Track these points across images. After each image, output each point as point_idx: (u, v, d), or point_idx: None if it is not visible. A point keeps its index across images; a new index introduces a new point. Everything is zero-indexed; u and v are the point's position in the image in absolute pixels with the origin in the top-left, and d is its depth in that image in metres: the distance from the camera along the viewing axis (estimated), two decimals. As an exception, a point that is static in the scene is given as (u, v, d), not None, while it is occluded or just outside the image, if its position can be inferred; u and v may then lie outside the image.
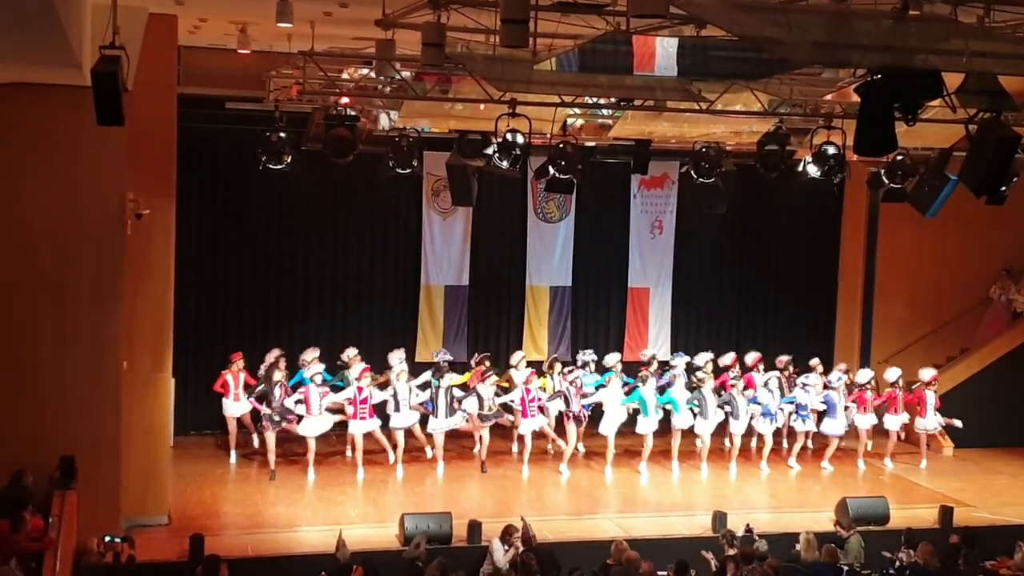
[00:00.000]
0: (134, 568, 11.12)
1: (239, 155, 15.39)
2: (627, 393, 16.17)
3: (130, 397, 12.60)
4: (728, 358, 17.43)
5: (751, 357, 17.47)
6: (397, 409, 15.30)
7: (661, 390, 16.27)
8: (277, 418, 14.91)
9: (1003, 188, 13.22)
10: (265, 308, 17.52)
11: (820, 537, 12.28)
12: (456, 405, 15.42)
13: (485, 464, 15.68)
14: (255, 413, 15.45)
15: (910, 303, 19.63)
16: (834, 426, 16.58)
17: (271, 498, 14.35)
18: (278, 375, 15.07)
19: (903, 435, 17.10)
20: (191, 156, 14.65)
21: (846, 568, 11.65)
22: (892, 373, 17.06)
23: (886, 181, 14.65)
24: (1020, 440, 18.62)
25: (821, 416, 16.82)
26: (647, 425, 15.88)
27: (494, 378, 15.71)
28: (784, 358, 17.35)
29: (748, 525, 12.63)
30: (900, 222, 18.30)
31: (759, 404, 16.31)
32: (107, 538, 11.16)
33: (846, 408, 16.63)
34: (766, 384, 16.60)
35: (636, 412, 16.01)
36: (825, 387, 16.68)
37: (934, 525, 14.10)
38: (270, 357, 15.72)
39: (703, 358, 17.16)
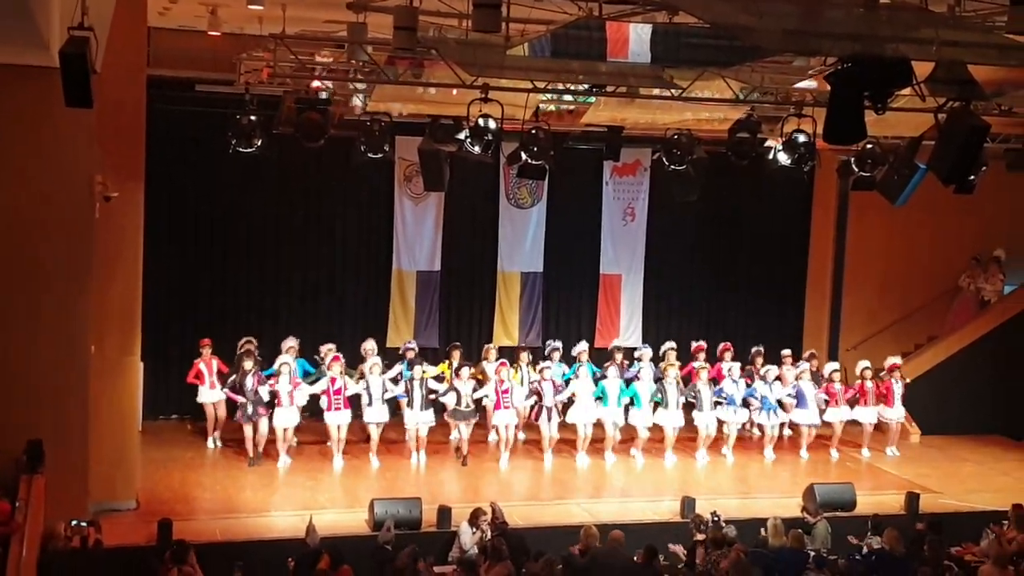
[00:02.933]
0: (101, 552, 11.06)
1: (209, 138, 15.30)
2: (595, 381, 16.19)
3: (98, 381, 12.50)
4: (694, 345, 17.46)
5: (720, 347, 17.51)
6: (370, 403, 15.18)
7: (627, 382, 16.25)
8: (250, 410, 14.83)
9: (972, 177, 13.41)
10: (235, 292, 17.44)
11: (787, 523, 12.35)
12: (432, 398, 15.33)
13: (467, 458, 15.48)
14: (230, 403, 15.37)
15: (879, 291, 19.77)
16: (806, 416, 16.62)
17: (241, 483, 14.31)
18: (249, 364, 14.96)
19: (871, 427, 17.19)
20: (160, 139, 14.57)
21: (813, 553, 11.74)
22: (859, 365, 17.12)
23: (856, 169, 14.73)
24: (986, 428, 18.84)
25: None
26: (610, 415, 15.87)
27: (467, 371, 15.58)
28: (756, 349, 17.39)
29: (715, 512, 12.69)
30: (870, 210, 18.40)
31: (724, 395, 16.34)
32: (74, 522, 11.11)
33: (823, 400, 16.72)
34: (729, 372, 16.65)
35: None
36: (797, 377, 16.72)
37: (900, 511, 14.23)
38: (242, 345, 15.65)
39: (666, 347, 17.21)
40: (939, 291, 20.01)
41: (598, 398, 16.04)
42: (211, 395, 15.54)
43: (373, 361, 15.45)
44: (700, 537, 12.00)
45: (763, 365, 17.02)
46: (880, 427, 17.18)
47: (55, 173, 11.76)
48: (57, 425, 11.67)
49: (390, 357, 16.25)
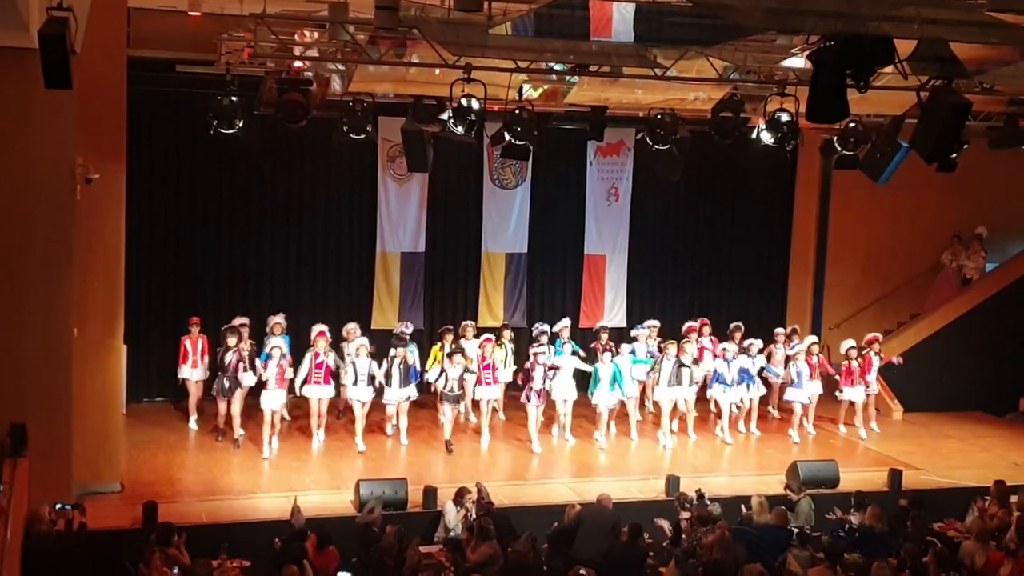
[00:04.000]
0: (86, 535, 11.05)
1: (190, 119, 15.23)
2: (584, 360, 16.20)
3: (81, 364, 12.46)
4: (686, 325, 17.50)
5: (698, 322, 17.51)
6: (355, 383, 15.14)
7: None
8: (228, 385, 14.82)
9: (954, 155, 13.44)
10: (218, 274, 17.39)
11: (771, 500, 12.45)
12: (409, 376, 15.26)
13: (451, 444, 15.31)
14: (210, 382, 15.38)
15: (862, 269, 19.86)
16: (799, 394, 16.54)
17: (225, 465, 14.29)
18: (232, 340, 14.93)
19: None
20: (141, 120, 14.50)
21: (796, 530, 11.81)
22: (844, 345, 17.12)
23: (838, 148, 14.77)
24: (968, 404, 18.94)
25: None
26: (603, 398, 15.80)
27: (460, 357, 15.44)
28: (734, 324, 17.38)
29: (699, 490, 12.76)
30: (852, 189, 18.48)
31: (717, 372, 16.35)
32: (58, 506, 11.09)
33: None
34: (723, 352, 16.55)
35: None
36: (793, 357, 16.67)
37: (883, 488, 14.30)
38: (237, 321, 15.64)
39: (650, 324, 17.25)
40: (921, 269, 20.12)
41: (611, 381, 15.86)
42: (193, 373, 15.52)
43: (361, 342, 15.40)
44: (685, 515, 12.07)
45: (742, 339, 16.95)
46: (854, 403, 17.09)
47: (35, 156, 11.69)
48: (41, 408, 11.65)
49: (376, 339, 16.20)
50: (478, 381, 15.70)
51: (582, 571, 9.56)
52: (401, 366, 15.08)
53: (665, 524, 12.02)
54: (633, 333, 17.33)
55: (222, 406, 14.99)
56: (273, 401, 14.79)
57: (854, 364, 16.79)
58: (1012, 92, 14.60)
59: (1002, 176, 18.35)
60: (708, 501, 12.48)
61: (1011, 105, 15.25)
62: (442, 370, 15.40)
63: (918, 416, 18.04)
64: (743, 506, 12.54)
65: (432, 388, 15.91)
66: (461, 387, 15.51)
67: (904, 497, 13.21)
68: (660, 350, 16.38)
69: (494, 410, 16.38)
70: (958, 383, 18.79)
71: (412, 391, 15.32)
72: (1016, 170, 17.67)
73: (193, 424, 15.69)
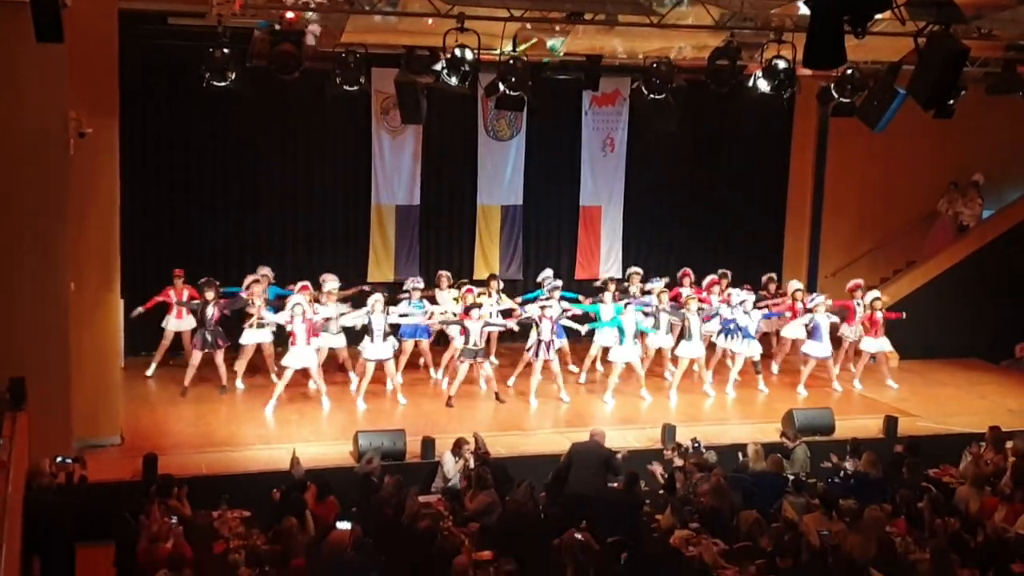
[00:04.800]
0: (86, 488, 11.12)
1: (182, 72, 15.14)
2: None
3: (79, 318, 12.49)
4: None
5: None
6: (372, 340, 14.97)
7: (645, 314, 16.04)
8: (209, 337, 14.79)
9: (951, 102, 13.38)
10: (213, 228, 17.34)
11: (767, 448, 12.52)
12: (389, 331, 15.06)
13: (452, 400, 15.23)
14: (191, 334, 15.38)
15: (858, 217, 19.86)
16: (818, 348, 16.33)
17: (224, 417, 14.35)
18: (210, 294, 14.82)
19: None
20: (133, 73, 14.40)
21: (792, 477, 11.89)
22: (869, 296, 16.90)
23: (835, 95, 14.69)
24: (964, 351, 19.01)
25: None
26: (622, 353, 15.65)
27: (477, 312, 15.22)
28: (721, 271, 17.35)
29: (695, 438, 12.83)
30: (849, 136, 18.42)
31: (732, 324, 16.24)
32: (59, 459, 11.12)
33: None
34: (742, 303, 16.28)
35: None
36: (812, 310, 16.40)
37: (879, 435, 14.39)
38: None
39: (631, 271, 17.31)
40: (918, 216, 20.12)
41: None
42: (176, 324, 15.51)
43: (376, 298, 15.14)
44: (680, 463, 12.15)
45: (727, 288, 16.87)
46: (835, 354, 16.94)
47: (28, 110, 11.66)
48: (39, 362, 11.68)
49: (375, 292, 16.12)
50: (462, 331, 15.46)
51: (577, 535, 9.61)
52: (383, 320, 14.83)
53: (658, 469, 12.11)
54: (647, 287, 17.07)
55: (196, 357, 14.86)
56: (300, 359, 14.56)
57: (878, 314, 16.67)
58: (1010, 37, 14.51)
59: (999, 123, 18.28)
60: (704, 449, 12.56)
61: (1009, 51, 15.16)
62: (463, 327, 15.23)
63: (914, 363, 18.10)
64: (739, 454, 12.62)
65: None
66: (484, 341, 15.37)
67: (899, 444, 13.29)
68: (682, 305, 16.22)
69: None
70: (954, 330, 18.83)
71: (390, 348, 15.07)
72: (1013, 117, 17.59)
73: (151, 371, 15.66)
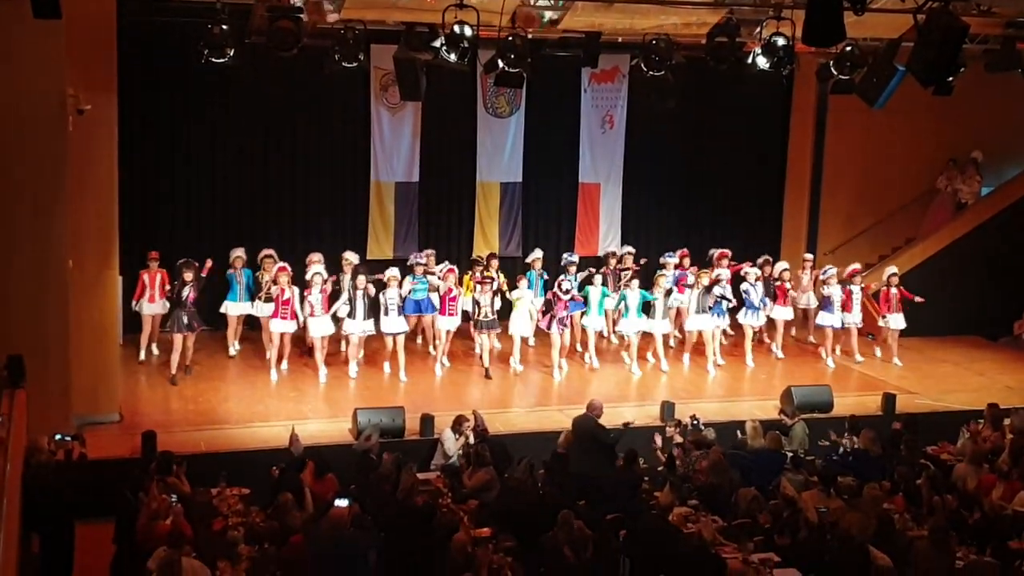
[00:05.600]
0: (86, 465, 11.14)
1: (181, 49, 15.04)
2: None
3: (77, 295, 12.50)
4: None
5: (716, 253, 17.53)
6: (387, 313, 15.10)
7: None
8: (186, 320, 14.66)
9: (950, 79, 13.31)
10: (212, 205, 17.32)
11: (765, 425, 12.55)
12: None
13: (489, 371, 15.47)
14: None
15: (857, 195, 19.83)
16: (831, 319, 16.73)
17: (223, 395, 14.38)
18: (189, 275, 14.64)
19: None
20: (131, 50, 14.33)
21: (790, 454, 11.92)
22: (886, 272, 17.22)
23: (835, 72, 14.63)
24: (962, 329, 19.03)
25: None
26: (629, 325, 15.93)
27: (493, 285, 15.51)
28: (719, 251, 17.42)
29: (694, 415, 12.86)
30: (848, 114, 18.36)
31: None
32: (58, 436, 11.15)
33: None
34: (746, 275, 16.67)
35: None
36: (825, 282, 16.84)
37: (877, 412, 14.43)
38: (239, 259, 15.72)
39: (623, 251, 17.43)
40: (917, 193, 20.10)
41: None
42: (151, 307, 15.32)
43: (392, 273, 15.33)
44: (679, 440, 12.18)
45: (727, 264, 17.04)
46: (836, 333, 17.08)
47: (26, 87, 11.64)
48: (37, 339, 11.72)
49: (372, 269, 16.15)
50: (441, 311, 15.58)
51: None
52: (364, 297, 14.96)
53: (658, 439, 12.14)
54: (662, 260, 17.15)
55: (178, 340, 14.69)
56: (321, 328, 14.93)
57: (892, 291, 16.85)
58: (1009, 14, 14.46)
59: (998, 100, 18.22)
60: (702, 426, 12.59)
61: (1008, 28, 15.11)
62: (474, 299, 15.48)
63: (912, 341, 18.10)
64: (738, 431, 12.65)
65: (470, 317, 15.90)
66: (495, 312, 15.51)
67: (898, 421, 13.32)
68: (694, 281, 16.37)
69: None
70: (952, 307, 18.81)
71: (371, 325, 15.18)
72: (1012, 94, 17.54)
73: (143, 355, 15.51)
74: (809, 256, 18.19)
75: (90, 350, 12.87)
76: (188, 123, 16.88)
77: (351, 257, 16.07)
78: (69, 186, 12.09)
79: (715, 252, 17.49)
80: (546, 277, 16.67)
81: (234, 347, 15.97)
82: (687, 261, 17.38)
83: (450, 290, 15.59)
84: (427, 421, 13.01)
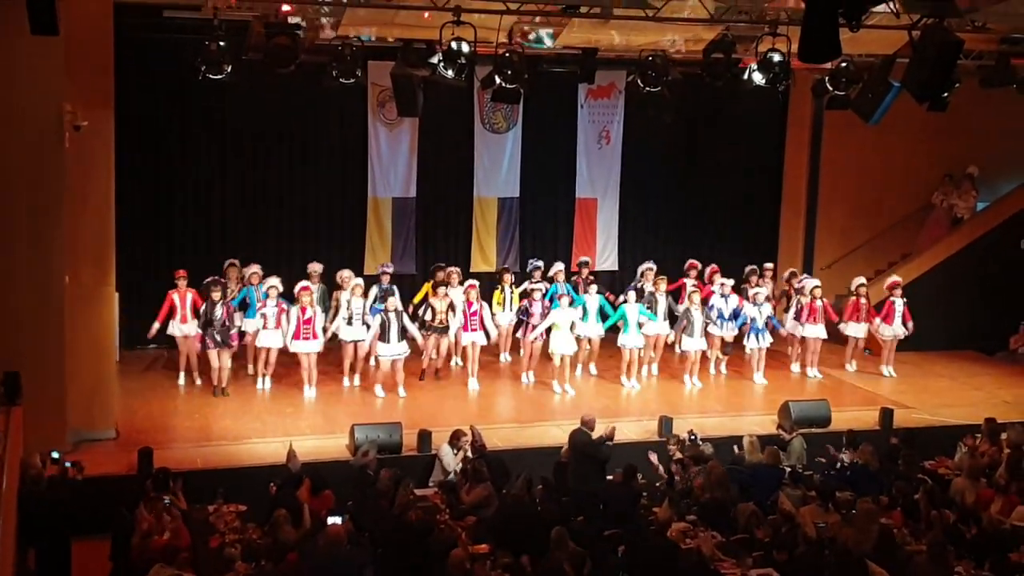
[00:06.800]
0: (82, 482, 11.10)
1: (178, 65, 15.09)
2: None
3: (74, 311, 12.47)
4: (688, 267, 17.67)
5: (708, 269, 17.51)
6: (350, 323, 15.20)
7: (615, 306, 16.17)
8: (219, 337, 14.68)
9: (945, 94, 13.39)
10: (208, 221, 17.35)
11: (763, 440, 12.54)
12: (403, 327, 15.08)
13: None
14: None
15: (853, 210, 19.86)
16: (815, 330, 16.80)
17: (220, 411, 14.33)
18: (217, 294, 14.65)
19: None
20: (129, 66, 14.36)
21: (788, 469, 11.90)
22: (854, 282, 17.21)
23: (830, 88, 14.68)
24: (959, 343, 19.03)
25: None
26: (592, 330, 16.02)
27: (443, 289, 15.48)
28: (750, 267, 17.31)
29: (691, 431, 12.84)
30: (844, 129, 18.40)
31: (714, 314, 16.33)
32: (53, 453, 11.11)
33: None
34: (721, 287, 16.60)
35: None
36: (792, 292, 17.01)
37: (875, 427, 14.42)
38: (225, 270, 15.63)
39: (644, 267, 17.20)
40: (913, 208, 20.13)
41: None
42: (183, 328, 15.09)
43: (356, 282, 15.43)
44: (678, 455, 12.16)
45: (756, 284, 16.88)
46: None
47: (23, 103, 11.65)
48: (34, 356, 11.69)
49: (369, 284, 16.15)
50: (464, 327, 15.61)
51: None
52: (399, 319, 14.93)
53: (654, 457, 12.12)
54: (640, 270, 16.97)
55: (214, 357, 14.75)
56: (273, 340, 14.99)
57: (862, 300, 16.93)
58: (1004, 30, 14.52)
59: (993, 115, 18.29)
60: (700, 441, 12.57)
61: (1003, 43, 15.17)
62: (428, 304, 15.48)
63: (909, 355, 18.10)
64: (735, 446, 12.63)
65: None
66: (446, 320, 15.48)
67: (895, 436, 13.31)
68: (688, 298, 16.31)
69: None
70: (949, 322, 18.84)
71: (406, 347, 15.17)
72: (1007, 109, 17.59)
73: (182, 379, 15.40)
74: (769, 265, 18.07)
75: (86, 366, 12.83)
76: (185, 139, 16.91)
77: (347, 275, 15.95)
78: (66, 202, 12.08)
79: (707, 268, 17.49)
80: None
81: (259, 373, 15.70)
82: (694, 272, 17.42)
83: (470, 303, 15.58)
84: (424, 437, 12.98)
